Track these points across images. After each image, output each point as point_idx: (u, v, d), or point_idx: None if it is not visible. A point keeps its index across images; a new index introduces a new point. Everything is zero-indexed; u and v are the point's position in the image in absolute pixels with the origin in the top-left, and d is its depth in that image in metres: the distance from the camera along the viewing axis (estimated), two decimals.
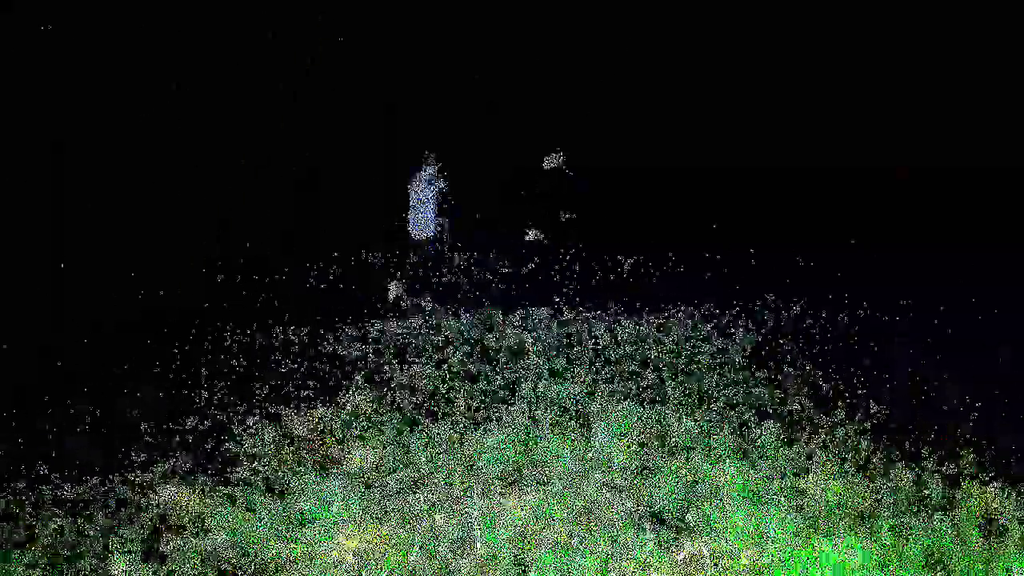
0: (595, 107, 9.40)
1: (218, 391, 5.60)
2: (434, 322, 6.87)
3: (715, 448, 4.82)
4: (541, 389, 5.62)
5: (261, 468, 4.69)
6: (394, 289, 8.17)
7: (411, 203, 8.16)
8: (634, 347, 6.46)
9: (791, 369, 6.01)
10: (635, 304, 7.57)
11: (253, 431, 5.07)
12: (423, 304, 7.86)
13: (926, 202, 8.82)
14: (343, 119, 9.20)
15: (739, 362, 6.23)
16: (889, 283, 7.81)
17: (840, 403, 5.42)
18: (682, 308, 7.44)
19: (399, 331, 6.63)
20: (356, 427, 5.11)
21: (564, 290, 8.05)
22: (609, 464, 4.61)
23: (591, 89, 9.45)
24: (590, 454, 4.75)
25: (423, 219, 8.11)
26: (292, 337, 6.44)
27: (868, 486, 4.42)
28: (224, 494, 4.40)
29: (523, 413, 5.29)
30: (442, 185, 8.10)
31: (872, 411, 5.30)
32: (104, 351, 6.20)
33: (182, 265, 7.76)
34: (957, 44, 9.54)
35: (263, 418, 5.23)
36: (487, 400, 5.46)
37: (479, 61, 9.41)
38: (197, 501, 4.31)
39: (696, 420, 5.23)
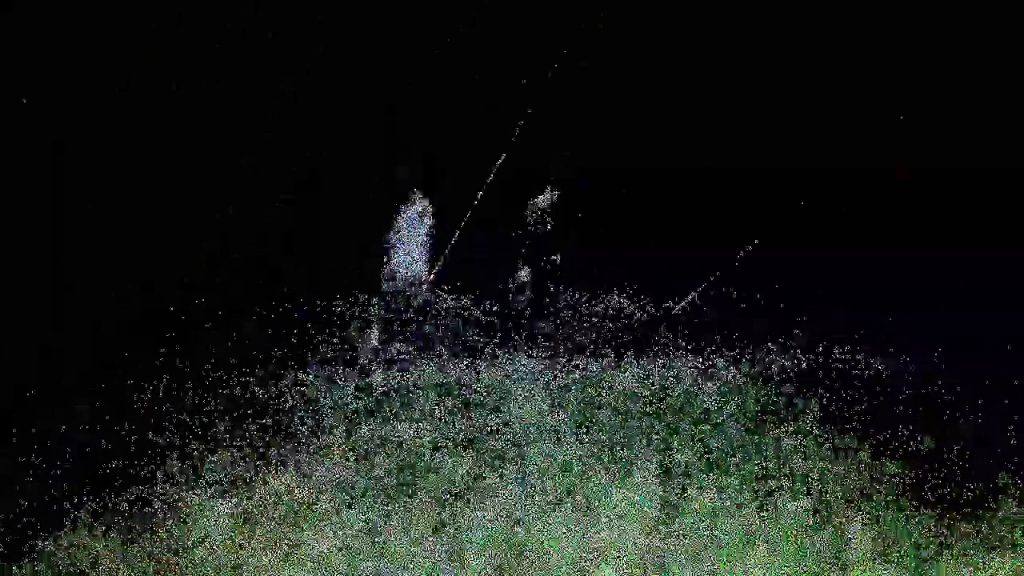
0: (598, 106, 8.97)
1: (163, 455, 4.94)
2: (412, 376, 6.21)
3: (736, 533, 4.16)
4: (534, 455, 4.96)
5: (213, 552, 4.03)
6: (373, 337, 7.53)
7: (397, 242, 7.55)
8: (639, 401, 5.83)
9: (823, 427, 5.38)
10: (639, 343, 6.98)
11: (205, 508, 4.39)
12: (401, 354, 7.22)
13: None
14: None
15: (757, 416, 5.62)
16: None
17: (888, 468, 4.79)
18: (688, 349, 6.86)
19: (373, 386, 5.96)
20: (322, 502, 4.43)
21: (559, 331, 7.44)
22: (617, 554, 3.95)
23: (594, 88, 9.05)
24: (595, 540, 4.08)
25: (410, 259, 7.50)
26: (251, 390, 5.77)
27: None
28: None
29: (515, 484, 4.63)
30: (430, 223, 7.48)
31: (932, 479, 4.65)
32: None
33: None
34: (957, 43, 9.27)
35: (215, 491, 4.56)
36: (473, 469, 4.79)
37: (478, 60, 8.97)
38: None
39: (713, 494, 4.58)
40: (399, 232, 7.44)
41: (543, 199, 7.91)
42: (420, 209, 7.48)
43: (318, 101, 9.07)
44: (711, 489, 4.63)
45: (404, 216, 7.45)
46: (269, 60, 8.92)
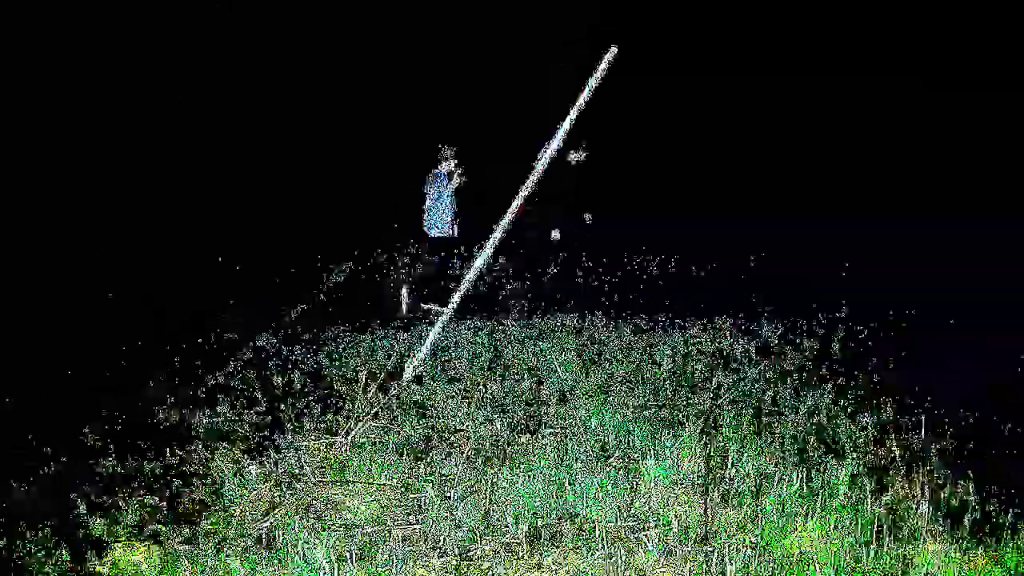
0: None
1: (192, 411, 4.82)
2: (446, 335, 6.05)
3: (785, 499, 3.97)
4: (571, 418, 4.79)
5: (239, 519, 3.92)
6: (407, 296, 7.38)
7: (427, 202, 7.37)
8: (674, 360, 5.64)
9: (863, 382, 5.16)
10: (669, 307, 6.81)
11: (236, 470, 4.27)
12: (435, 313, 7.08)
13: None
14: (354, 114, 8.46)
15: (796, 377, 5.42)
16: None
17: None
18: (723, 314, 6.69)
19: (407, 346, 5.81)
20: (356, 465, 4.29)
21: (588, 292, 7.27)
22: (661, 521, 3.77)
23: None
24: (638, 504, 3.91)
25: (440, 218, 7.30)
26: (284, 350, 5.64)
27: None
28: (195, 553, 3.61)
29: (552, 448, 4.46)
30: (461, 182, 7.28)
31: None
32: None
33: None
34: None
35: (246, 454, 4.43)
36: (508, 432, 4.63)
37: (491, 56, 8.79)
38: (155, 565, 3.50)
39: (758, 458, 4.39)
40: (429, 193, 7.25)
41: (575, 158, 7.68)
42: (447, 169, 7.28)
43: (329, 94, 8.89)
44: (755, 454, 4.44)
45: (432, 175, 7.25)
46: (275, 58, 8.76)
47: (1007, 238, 8.79)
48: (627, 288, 7.73)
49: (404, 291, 7.28)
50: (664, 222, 9.16)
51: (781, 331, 6.50)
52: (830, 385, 5.28)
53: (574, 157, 7.66)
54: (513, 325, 6.54)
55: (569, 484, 3.98)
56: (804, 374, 5.50)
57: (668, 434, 4.54)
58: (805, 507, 3.83)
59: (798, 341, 6.29)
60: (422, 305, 7.18)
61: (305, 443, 4.50)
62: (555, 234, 7.58)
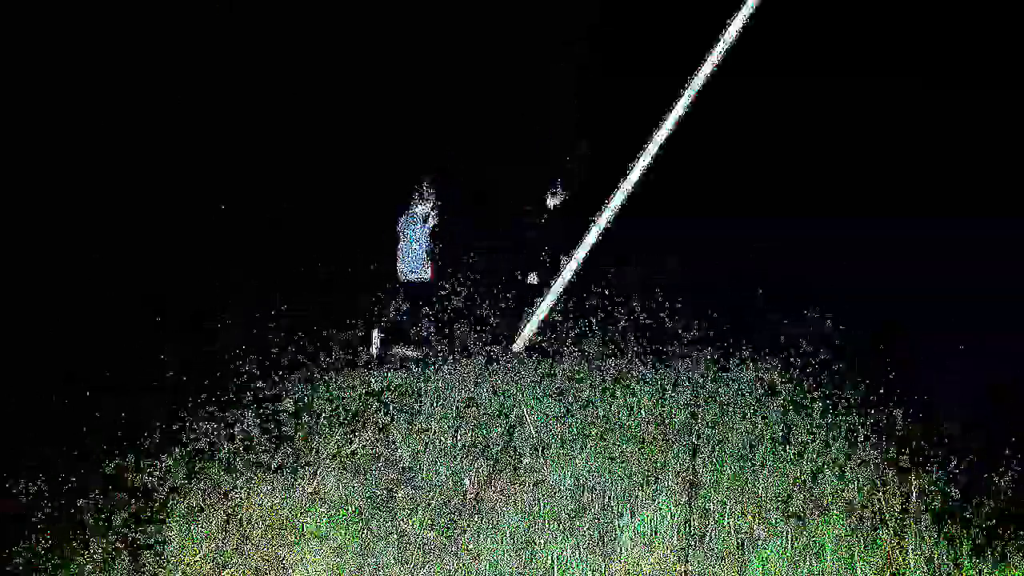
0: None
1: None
2: (415, 380, 5.79)
3: (774, 562, 3.72)
4: (546, 468, 4.54)
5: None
6: (377, 339, 7.12)
7: (401, 241, 7.13)
8: (655, 403, 5.40)
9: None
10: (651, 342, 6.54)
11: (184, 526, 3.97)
12: (409, 356, 6.83)
13: None
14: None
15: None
16: None
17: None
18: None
19: (373, 390, 5.54)
20: (311, 520, 4.01)
21: (569, 332, 7.04)
22: None
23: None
24: (613, 567, 3.65)
25: (415, 261, 7.06)
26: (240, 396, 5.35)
27: None
28: None
29: (525, 503, 4.20)
30: (436, 221, 7.06)
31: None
32: None
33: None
34: None
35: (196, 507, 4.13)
36: (477, 487, 4.36)
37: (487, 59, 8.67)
38: None
39: (740, 517, 4.15)
40: (403, 232, 7.03)
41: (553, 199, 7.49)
42: (423, 210, 7.07)
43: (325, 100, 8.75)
44: (739, 508, 4.20)
45: (407, 217, 7.05)
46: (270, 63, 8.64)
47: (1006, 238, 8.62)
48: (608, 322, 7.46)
49: (375, 334, 7.02)
50: (659, 222, 8.81)
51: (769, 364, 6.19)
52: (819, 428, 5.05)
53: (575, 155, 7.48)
54: (491, 366, 6.28)
55: (539, 546, 3.72)
56: (790, 414, 5.26)
57: (645, 489, 4.29)
58: (791, 570, 3.59)
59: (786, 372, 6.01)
60: (394, 348, 6.93)
61: (258, 499, 4.21)
62: (532, 278, 7.33)
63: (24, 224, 7.23)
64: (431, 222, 7.05)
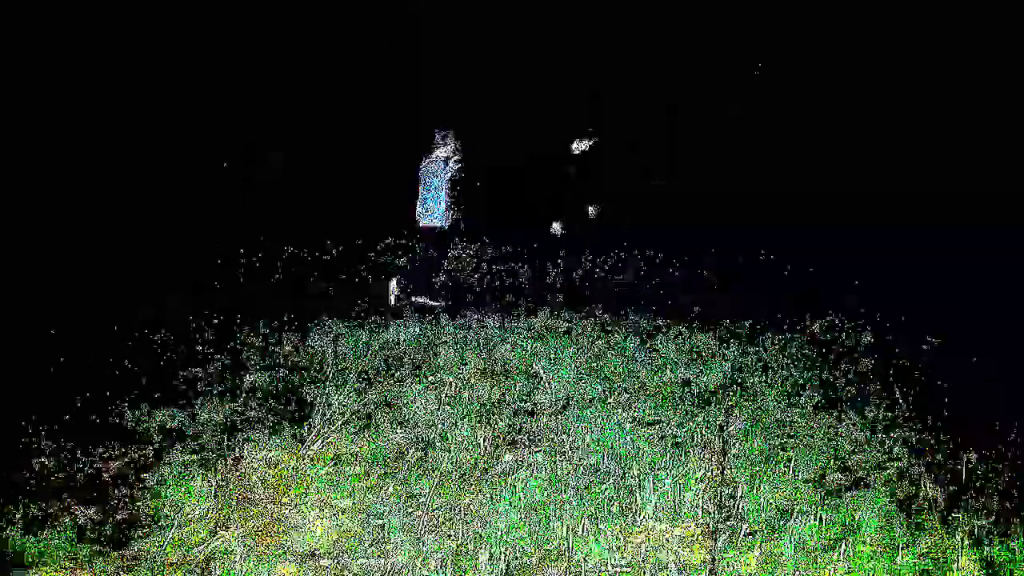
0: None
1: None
2: (432, 332, 5.54)
3: (804, 539, 3.45)
4: (565, 430, 4.28)
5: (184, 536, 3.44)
6: (395, 288, 6.87)
7: (421, 188, 6.83)
8: (687, 369, 5.11)
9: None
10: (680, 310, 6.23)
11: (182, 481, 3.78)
12: (426, 306, 6.58)
13: None
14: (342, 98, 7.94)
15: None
16: None
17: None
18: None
19: (387, 342, 5.29)
20: (317, 481, 3.80)
21: (592, 289, 6.74)
22: (659, 565, 3.26)
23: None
24: (634, 542, 3.40)
25: (434, 206, 6.77)
26: (251, 345, 5.13)
27: None
28: None
29: (542, 467, 3.96)
30: (458, 167, 6.75)
31: None
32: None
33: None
34: None
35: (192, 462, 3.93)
36: (493, 450, 4.12)
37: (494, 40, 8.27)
38: None
39: (772, 490, 3.88)
40: (423, 177, 6.74)
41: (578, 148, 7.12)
42: (444, 154, 6.75)
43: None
44: (771, 482, 3.92)
45: (427, 160, 6.74)
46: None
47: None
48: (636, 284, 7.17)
49: (392, 283, 6.77)
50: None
51: (799, 337, 5.93)
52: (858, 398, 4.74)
53: (578, 146, 7.12)
54: (509, 325, 6.02)
55: (556, 515, 3.48)
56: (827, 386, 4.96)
57: (670, 459, 4.02)
58: (827, 550, 3.32)
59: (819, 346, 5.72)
60: (413, 298, 6.68)
61: (263, 453, 4.00)
62: (556, 227, 7.02)
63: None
64: (453, 166, 6.74)
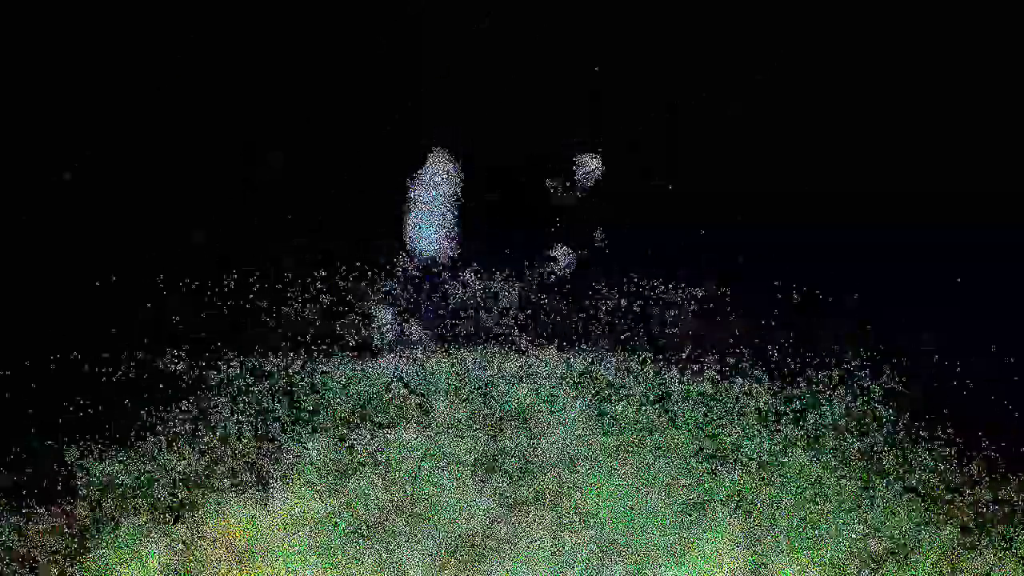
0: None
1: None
2: (421, 372, 5.02)
3: None
4: (573, 491, 3.78)
5: None
6: (387, 321, 6.35)
7: (411, 211, 6.31)
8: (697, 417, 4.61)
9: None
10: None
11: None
12: (418, 342, 6.08)
13: None
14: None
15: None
16: None
17: None
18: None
19: (371, 385, 4.77)
20: (284, 546, 3.27)
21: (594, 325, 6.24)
22: None
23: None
24: None
25: (427, 233, 6.26)
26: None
27: None
28: None
29: (544, 541, 3.45)
30: (453, 187, 6.24)
31: None
32: None
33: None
34: None
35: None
36: (493, 506, 3.60)
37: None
38: None
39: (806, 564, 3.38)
40: (415, 200, 6.24)
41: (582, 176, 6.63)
42: (439, 174, 6.25)
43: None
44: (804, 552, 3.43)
45: (420, 181, 6.24)
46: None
47: None
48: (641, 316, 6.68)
49: (382, 313, 6.25)
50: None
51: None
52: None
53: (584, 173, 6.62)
54: (507, 363, 5.51)
55: None
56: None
57: (692, 526, 3.51)
58: None
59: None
60: (403, 330, 6.17)
61: (224, 517, 3.47)
62: (562, 257, 6.48)
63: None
64: (450, 188, 6.23)
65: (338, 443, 4.14)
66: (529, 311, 6.46)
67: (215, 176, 7.40)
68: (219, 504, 3.54)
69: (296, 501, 3.57)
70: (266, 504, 3.57)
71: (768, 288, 7.13)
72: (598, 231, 6.55)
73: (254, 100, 7.63)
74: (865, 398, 4.79)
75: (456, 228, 6.18)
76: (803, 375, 5.06)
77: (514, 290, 6.89)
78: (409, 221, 6.27)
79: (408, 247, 6.27)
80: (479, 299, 6.36)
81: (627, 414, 4.49)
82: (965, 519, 3.77)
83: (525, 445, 4.21)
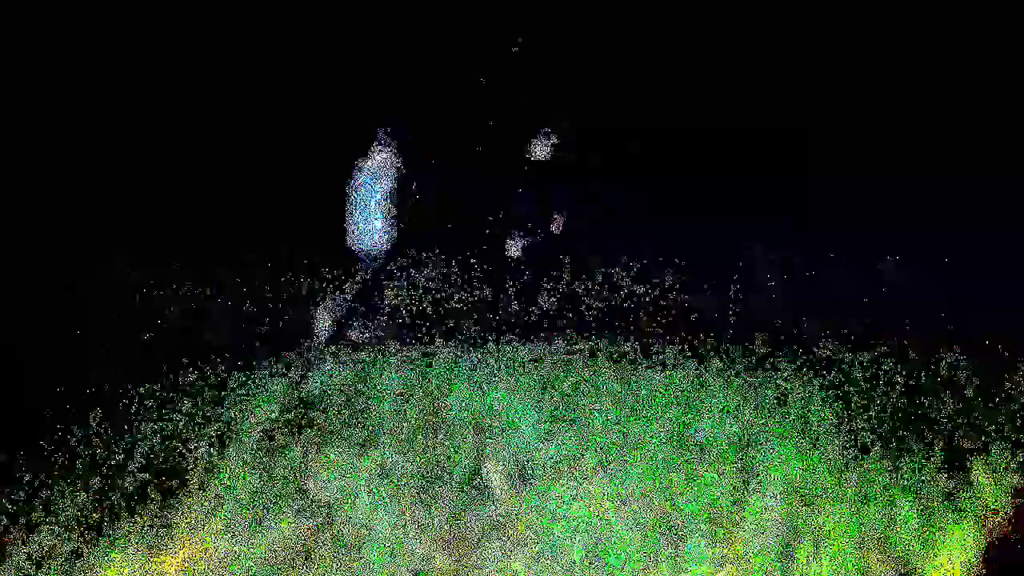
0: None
1: None
2: (362, 376, 4.46)
3: None
4: (532, 515, 3.26)
5: None
6: (321, 317, 5.78)
7: (353, 204, 5.73)
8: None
9: None
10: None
11: None
12: (360, 342, 5.55)
13: None
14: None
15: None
16: None
17: None
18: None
19: (304, 392, 4.19)
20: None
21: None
22: None
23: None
24: None
25: (369, 227, 5.68)
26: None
27: None
28: None
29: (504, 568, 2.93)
30: (399, 178, 5.68)
31: None
32: None
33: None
34: None
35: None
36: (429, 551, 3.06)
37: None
38: None
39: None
40: (355, 191, 5.66)
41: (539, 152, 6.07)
42: (380, 164, 5.67)
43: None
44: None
45: (360, 172, 5.66)
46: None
47: None
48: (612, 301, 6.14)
49: (320, 311, 5.65)
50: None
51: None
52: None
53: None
54: (456, 356, 4.95)
55: None
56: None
57: (671, 548, 3.01)
58: None
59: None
60: (344, 331, 5.60)
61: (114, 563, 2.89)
62: (514, 247, 5.90)
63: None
64: (391, 179, 5.68)
65: (256, 462, 3.58)
66: (483, 301, 5.94)
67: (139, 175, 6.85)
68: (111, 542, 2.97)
69: (199, 535, 3.00)
70: (164, 540, 3.00)
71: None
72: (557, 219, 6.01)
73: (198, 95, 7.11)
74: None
75: (398, 221, 5.62)
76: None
77: (466, 278, 6.36)
78: (351, 214, 5.72)
79: (350, 240, 5.72)
80: (425, 291, 5.84)
81: (592, 419, 3.97)
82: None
83: (475, 459, 3.69)
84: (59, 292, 5.53)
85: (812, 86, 8.44)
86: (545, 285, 6.18)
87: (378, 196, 5.63)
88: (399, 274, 6.00)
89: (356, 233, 5.70)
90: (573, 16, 8.05)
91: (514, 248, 5.91)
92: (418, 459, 3.49)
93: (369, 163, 5.68)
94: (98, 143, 6.84)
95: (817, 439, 3.94)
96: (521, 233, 5.87)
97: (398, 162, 5.75)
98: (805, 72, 8.66)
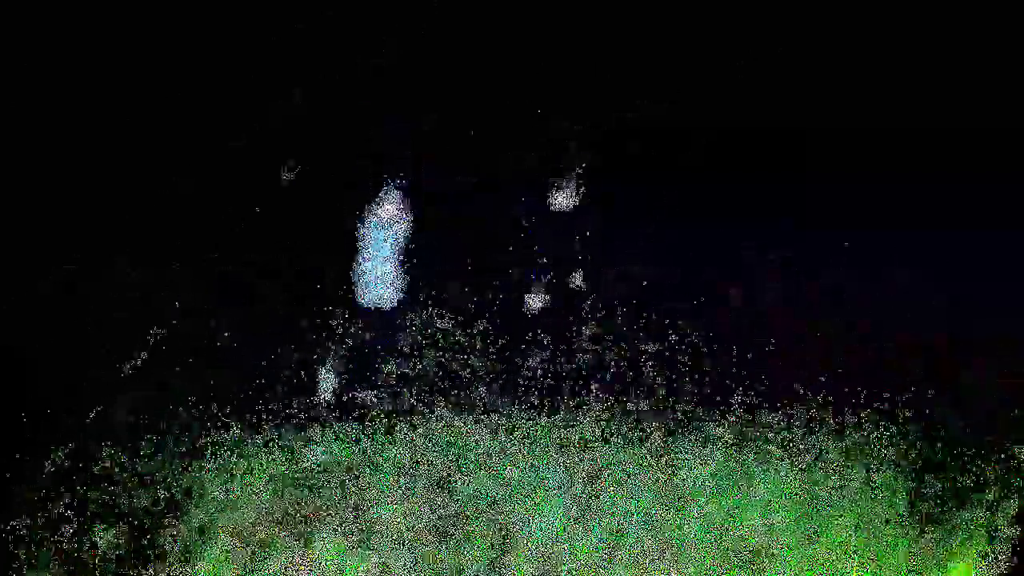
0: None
1: None
2: (365, 447, 4.03)
3: None
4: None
5: None
6: (329, 377, 5.39)
7: (362, 255, 5.44)
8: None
9: None
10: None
11: None
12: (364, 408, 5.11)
13: None
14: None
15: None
16: None
17: None
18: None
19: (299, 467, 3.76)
20: None
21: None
22: None
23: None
24: None
25: (380, 275, 5.39)
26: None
27: None
28: None
29: None
30: (405, 228, 5.37)
31: None
32: None
33: None
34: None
35: None
36: None
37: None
38: None
39: None
40: (363, 241, 5.38)
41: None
42: (389, 212, 5.39)
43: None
44: None
45: (368, 220, 5.38)
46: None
47: None
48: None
49: (324, 371, 5.30)
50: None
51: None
52: None
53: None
54: (474, 430, 4.52)
55: None
56: None
57: None
58: None
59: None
60: (346, 395, 5.23)
61: None
62: (534, 300, 5.50)
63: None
64: (396, 224, 5.35)
65: (243, 548, 3.13)
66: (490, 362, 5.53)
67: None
68: None
69: None
70: None
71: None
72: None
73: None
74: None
75: (404, 271, 5.30)
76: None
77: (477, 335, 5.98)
78: (359, 264, 5.44)
79: (356, 291, 5.41)
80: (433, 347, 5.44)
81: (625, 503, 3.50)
82: None
83: (492, 553, 3.22)
84: (59, 292, 5.25)
85: (812, 86, 8.26)
86: (570, 341, 5.77)
87: (387, 248, 5.35)
88: (407, 330, 5.65)
89: (364, 285, 5.40)
90: (573, 16, 7.92)
91: (534, 300, 5.51)
92: (425, 562, 3.03)
93: (377, 208, 5.40)
94: (98, 143, 6.65)
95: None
96: (540, 276, 5.50)
97: (402, 210, 5.46)
98: (805, 72, 8.47)
